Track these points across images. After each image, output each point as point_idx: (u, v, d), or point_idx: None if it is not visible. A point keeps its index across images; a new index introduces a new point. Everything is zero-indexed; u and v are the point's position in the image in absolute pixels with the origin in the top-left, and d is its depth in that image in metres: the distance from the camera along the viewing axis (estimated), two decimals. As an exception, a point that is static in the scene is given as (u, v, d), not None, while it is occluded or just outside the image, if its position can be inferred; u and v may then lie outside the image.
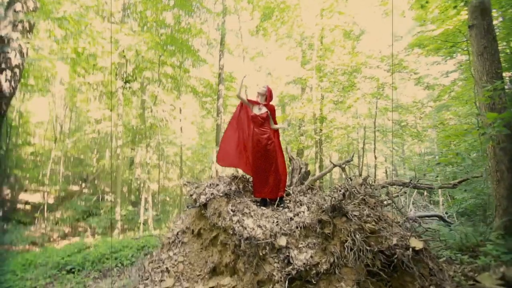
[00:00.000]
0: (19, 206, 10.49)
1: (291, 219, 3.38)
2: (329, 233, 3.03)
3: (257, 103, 3.96)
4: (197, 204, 3.51)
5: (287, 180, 4.53)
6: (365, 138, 13.76)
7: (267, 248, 3.02)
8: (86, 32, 8.47)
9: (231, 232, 3.09)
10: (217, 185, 3.82)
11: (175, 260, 3.20)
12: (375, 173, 13.77)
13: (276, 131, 4.01)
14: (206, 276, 3.03)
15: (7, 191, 9.52)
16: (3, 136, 9.04)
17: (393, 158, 15.22)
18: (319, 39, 11.28)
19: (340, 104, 11.83)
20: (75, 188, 13.24)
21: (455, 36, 7.36)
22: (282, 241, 3.07)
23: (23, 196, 11.16)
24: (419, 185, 4.02)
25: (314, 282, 2.81)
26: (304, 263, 2.87)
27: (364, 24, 12.61)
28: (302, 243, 3.10)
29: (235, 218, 3.25)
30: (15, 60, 6.96)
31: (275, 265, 2.94)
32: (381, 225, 3.01)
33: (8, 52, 6.87)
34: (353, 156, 4.75)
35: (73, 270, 4.68)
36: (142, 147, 11.36)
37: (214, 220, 3.28)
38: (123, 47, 8.92)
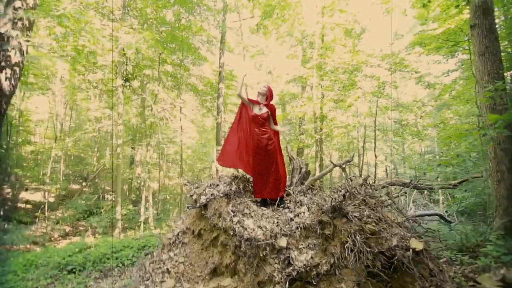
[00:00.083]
0: (20, 205, 10.50)
1: (292, 219, 3.37)
2: (329, 234, 3.03)
3: (257, 102, 3.94)
4: (198, 204, 3.51)
5: (287, 180, 4.54)
6: (365, 137, 13.76)
7: (268, 249, 3.02)
8: (86, 29, 8.43)
9: (232, 233, 3.09)
10: (217, 185, 3.81)
11: (176, 261, 3.20)
12: (375, 172, 13.78)
13: (276, 131, 3.99)
14: (206, 277, 3.04)
15: (8, 190, 9.54)
16: (3, 135, 9.04)
17: (393, 157, 15.22)
18: (320, 37, 11.24)
19: (341, 102, 11.81)
20: (76, 186, 13.26)
21: (456, 35, 7.33)
22: (282, 242, 3.07)
23: (23, 195, 11.18)
24: (419, 185, 4.02)
25: (315, 283, 2.81)
26: (304, 264, 2.88)
27: (365, 23, 12.55)
28: (302, 244, 3.10)
29: (235, 219, 3.25)
30: (15, 58, 6.92)
31: (276, 266, 2.94)
32: (382, 226, 3.01)
33: (7, 50, 6.84)
34: (353, 156, 4.74)
35: (74, 270, 4.70)
36: (142, 146, 11.35)
37: (214, 221, 3.28)
38: (123, 45, 8.88)
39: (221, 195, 3.53)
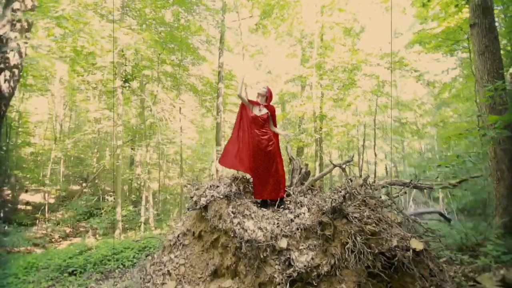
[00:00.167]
0: (20, 206, 10.50)
1: (292, 220, 3.38)
2: (329, 235, 3.04)
3: (257, 103, 3.94)
4: (198, 206, 3.51)
5: (287, 180, 4.53)
6: (365, 135, 13.77)
7: (268, 250, 3.02)
8: (84, 30, 8.41)
9: (232, 235, 3.10)
10: (217, 186, 3.81)
11: (177, 263, 3.21)
12: (375, 170, 13.80)
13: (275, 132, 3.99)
14: (207, 279, 3.04)
15: (7, 192, 9.54)
16: (2, 136, 9.03)
17: (393, 155, 15.23)
18: (319, 37, 11.22)
19: (340, 101, 11.81)
20: (76, 187, 13.26)
21: (456, 33, 7.32)
22: (283, 243, 3.08)
23: (23, 196, 11.18)
24: (419, 185, 4.02)
25: (315, 284, 2.82)
26: (305, 265, 2.88)
27: (365, 21, 12.54)
28: (302, 245, 3.10)
29: (235, 220, 3.25)
30: (14, 60, 6.91)
31: (276, 267, 2.95)
32: (382, 227, 3.02)
33: (6, 52, 6.82)
34: (353, 157, 4.75)
35: (75, 272, 4.70)
36: (142, 147, 11.36)
37: (214, 223, 3.28)
38: (122, 46, 8.87)
39: (221, 196, 3.53)
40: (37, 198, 11.42)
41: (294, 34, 12.75)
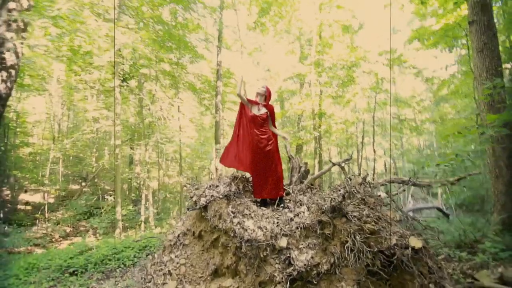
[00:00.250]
0: (20, 207, 10.50)
1: (291, 219, 3.39)
2: (329, 234, 3.05)
3: (256, 103, 3.94)
4: (197, 206, 3.52)
5: (287, 179, 4.55)
6: (364, 132, 13.80)
7: (268, 249, 3.04)
8: (81, 30, 8.35)
9: (232, 234, 3.11)
10: (217, 186, 3.82)
11: (177, 263, 3.22)
12: (374, 166, 13.86)
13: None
14: (208, 278, 3.06)
15: (7, 192, 9.53)
16: (1, 137, 9.00)
17: (392, 152, 15.28)
18: (317, 34, 11.19)
19: (339, 98, 11.81)
20: (75, 187, 13.25)
21: (454, 30, 7.31)
22: (282, 242, 3.09)
23: (23, 196, 11.17)
24: (418, 182, 4.03)
25: (315, 283, 2.84)
26: (305, 264, 2.90)
27: (363, 18, 12.51)
28: (302, 244, 3.12)
29: (235, 220, 3.27)
30: (10, 60, 6.87)
31: (276, 266, 2.97)
32: (381, 225, 3.04)
33: (3, 53, 6.78)
34: (352, 155, 4.76)
35: (76, 272, 4.72)
36: (141, 146, 11.34)
37: (214, 222, 3.29)
38: (119, 46, 8.81)
39: (221, 196, 3.54)
40: (36, 198, 11.41)
41: (292, 32, 12.70)
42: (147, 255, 4.89)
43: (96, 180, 12.82)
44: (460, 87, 9.58)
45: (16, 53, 6.97)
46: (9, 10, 6.78)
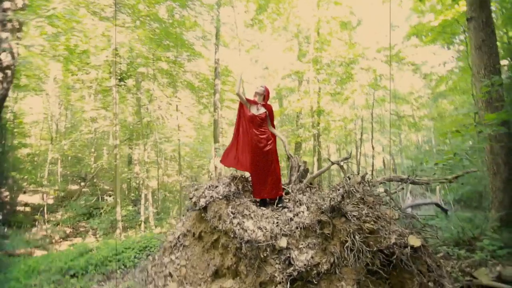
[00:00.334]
0: (19, 208, 10.48)
1: (291, 219, 3.40)
2: (328, 234, 3.07)
3: (255, 102, 3.93)
4: (197, 207, 3.53)
5: (286, 178, 4.55)
6: (362, 129, 13.82)
7: (268, 250, 3.05)
8: (77, 29, 8.27)
9: (232, 235, 3.12)
10: (216, 186, 3.82)
11: (178, 264, 3.23)
12: (372, 163, 13.89)
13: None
14: (208, 279, 3.07)
15: (5, 194, 9.49)
16: (-2, 138, 8.95)
17: (391, 148, 15.32)
18: (315, 31, 11.13)
19: (338, 95, 11.80)
20: (74, 187, 13.23)
21: (452, 26, 7.30)
22: (282, 242, 3.10)
23: (22, 197, 11.14)
24: (417, 180, 4.05)
25: (315, 282, 2.86)
26: (305, 264, 2.92)
27: (361, 15, 12.46)
28: (302, 244, 3.13)
29: (235, 221, 3.27)
30: (6, 61, 6.81)
31: (277, 266, 2.98)
32: (380, 224, 3.06)
33: (-2, 53, 6.71)
34: (351, 154, 4.77)
35: (76, 274, 4.72)
36: (139, 145, 11.31)
37: (214, 223, 3.30)
38: (116, 44, 8.74)
39: (220, 197, 3.54)
40: (35, 199, 11.38)
41: (290, 29, 12.63)
42: (147, 256, 4.91)
43: (95, 180, 12.80)
44: (458, 83, 9.60)
45: (12, 53, 6.91)
46: (4, 10, 6.70)
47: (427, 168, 7.36)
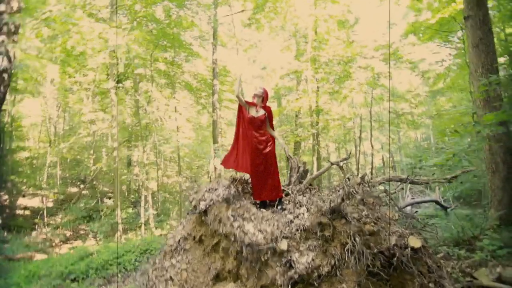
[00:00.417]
0: (18, 212, 10.45)
1: (291, 221, 3.40)
2: (329, 236, 3.07)
3: (254, 104, 3.92)
4: (197, 210, 3.52)
5: (286, 179, 4.55)
6: (361, 127, 13.83)
7: (269, 252, 3.05)
8: (74, 31, 8.23)
9: (233, 239, 3.12)
10: (216, 189, 3.81)
11: (179, 268, 3.23)
12: (372, 161, 13.93)
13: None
14: (209, 283, 3.08)
15: (5, 197, 9.47)
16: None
17: (390, 146, 15.35)
18: (313, 30, 11.11)
19: (336, 94, 11.80)
20: (74, 190, 13.20)
21: (450, 24, 7.30)
22: (283, 245, 3.10)
23: (21, 201, 11.11)
24: (416, 180, 4.06)
25: (316, 285, 2.86)
26: (305, 267, 2.92)
27: (359, 13, 12.45)
28: (303, 246, 3.13)
29: (235, 224, 3.27)
30: (3, 64, 6.76)
31: (278, 269, 2.98)
32: (380, 225, 3.06)
33: (-6, 57, 6.66)
34: (350, 154, 4.77)
35: (77, 278, 4.72)
36: (138, 147, 11.30)
37: (215, 227, 3.30)
38: (113, 46, 8.69)
39: (220, 200, 3.54)
40: (35, 202, 11.35)
41: (287, 28, 12.61)
42: (148, 259, 4.91)
43: (94, 183, 12.78)
44: (455, 80, 9.62)
45: (8, 57, 6.86)
46: (0, 13, 6.66)
47: (426, 166, 7.38)
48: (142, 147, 10.77)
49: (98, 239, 8.86)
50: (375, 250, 2.80)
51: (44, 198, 11.05)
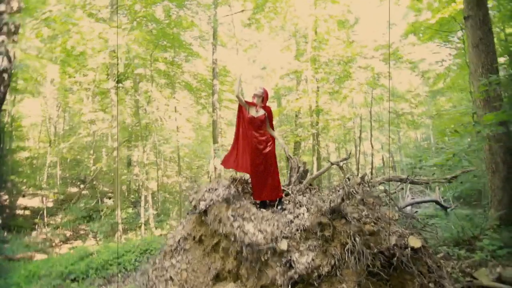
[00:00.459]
0: (18, 212, 10.45)
1: (291, 221, 3.40)
2: (329, 236, 3.07)
3: (254, 104, 3.92)
4: (197, 210, 3.52)
5: (286, 179, 4.56)
6: (361, 127, 13.84)
7: (269, 252, 3.05)
8: (74, 31, 8.23)
9: (233, 239, 3.12)
10: (216, 189, 3.81)
11: (179, 268, 3.23)
12: (372, 161, 13.93)
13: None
14: (210, 283, 3.08)
15: (5, 197, 9.47)
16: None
17: (390, 146, 15.36)
18: (313, 30, 11.12)
19: (336, 94, 11.81)
20: (74, 190, 13.20)
21: (450, 24, 7.30)
22: (283, 245, 3.10)
23: (21, 201, 11.11)
24: (416, 180, 4.06)
25: (316, 285, 2.86)
26: (305, 267, 2.92)
27: (359, 13, 12.46)
28: (303, 246, 3.13)
29: (235, 224, 3.27)
30: (3, 64, 6.76)
31: (278, 269, 2.98)
32: (380, 225, 3.06)
33: (-6, 57, 6.67)
34: (350, 154, 4.77)
35: (77, 278, 4.72)
36: (138, 147, 11.30)
37: (215, 227, 3.30)
38: (113, 46, 8.69)
39: (220, 200, 3.54)
40: (35, 202, 11.35)
41: (287, 28, 12.61)
42: (148, 259, 4.91)
43: (94, 183, 12.78)
44: (455, 80, 9.62)
45: (8, 57, 6.86)
46: (0, 13, 6.66)
47: (426, 166, 7.38)
48: (142, 147, 10.77)
49: (98, 239, 8.87)
50: (375, 250, 2.80)
51: (44, 198, 11.05)
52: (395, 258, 2.67)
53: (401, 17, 13.02)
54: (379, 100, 13.02)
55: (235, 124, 4.19)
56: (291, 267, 2.96)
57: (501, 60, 6.16)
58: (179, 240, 3.60)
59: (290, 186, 4.51)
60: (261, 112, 3.87)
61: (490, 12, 5.21)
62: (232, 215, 3.37)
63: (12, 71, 7.37)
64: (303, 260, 3.00)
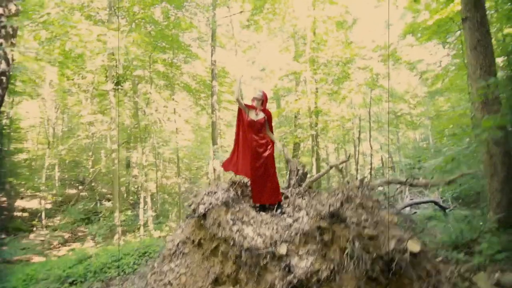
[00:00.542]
0: (16, 214, 10.42)
1: (290, 225, 3.40)
2: (328, 240, 3.06)
3: (253, 107, 3.92)
4: (196, 214, 3.52)
5: (285, 181, 4.56)
6: (360, 128, 13.85)
7: (268, 257, 3.05)
8: (72, 33, 8.22)
9: (232, 243, 3.11)
10: (215, 192, 3.80)
11: (177, 272, 3.22)
12: (371, 162, 13.94)
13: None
14: (208, 287, 3.07)
15: (3, 199, 9.44)
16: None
17: (389, 147, 15.38)
18: (312, 31, 11.12)
19: (335, 95, 11.82)
20: (72, 191, 13.16)
21: (448, 25, 7.31)
22: (282, 249, 3.10)
23: (19, 203, 11.07)
24: (415, 183, 4.06)
25: (315, 289, 2.85)
26: (304, 271, 2.91)
27: (357, 14, 12.47)
28: (302, 250, 3.13)
29: (235, 228, 3.26)
30: (1, 66, 6.74)
31: (277, 273, 2.97)
32: (379, 230, 3.05)
33: (-8, 60, 6.64)
34: (349, 157, 4.77)
35: (75, 282, 4.70)
36: (137, 149, 11.28)
37: (214, 231, 3.29)
38: (112, 48, 8.68)
39: (220, 203, 3.53)
40: (33, 204, 11.31)
41: (286, 29, 12.61)
42: (146, 262, 4.90)
43: (93, 185, 12.75)
44: (454, 80, 9.64)
45: (7, 59, 6.84)
46: (-3, 16, 6.63)
47: (424, 166, 7.39)
48: (141, 149, 10.75)
49: (96, 241, 8.84)
50: (374, 255, 2.79)
51: (42, 200, 11.01)
52: (394, 263, 2.66)
53: (399, 17, 13.05)
54: (378, 101, 13.05)
55: (234, 126, 4.20)
56: (290, 271, 2.96)
57: (498, 60, 6.16)
58: (178, 244, 3.59)
59: (289, 189, 4.51)
60: (261, 115, 3.88)
61: (487, 12, 5.22)
62: (231, 219, 3.36)
63: (11, 73, 7.35)
64: (302, 264, 2.99)
